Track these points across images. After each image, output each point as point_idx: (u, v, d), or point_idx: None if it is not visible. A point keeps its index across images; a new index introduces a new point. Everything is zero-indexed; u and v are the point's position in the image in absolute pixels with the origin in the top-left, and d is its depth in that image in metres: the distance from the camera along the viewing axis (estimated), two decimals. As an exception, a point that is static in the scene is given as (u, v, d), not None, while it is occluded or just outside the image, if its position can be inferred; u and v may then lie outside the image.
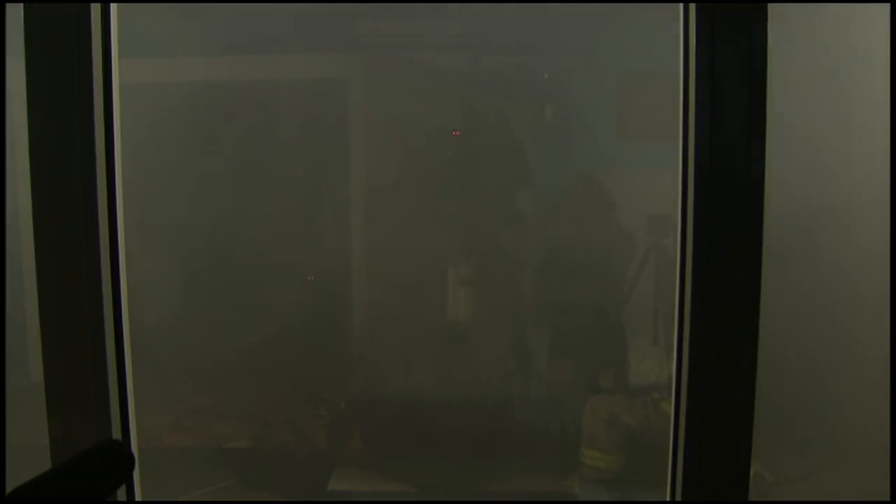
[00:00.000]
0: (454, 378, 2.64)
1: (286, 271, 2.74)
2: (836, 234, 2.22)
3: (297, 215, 2.73)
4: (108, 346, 1.27)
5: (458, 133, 2.63)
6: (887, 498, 1.44)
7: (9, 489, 0.71)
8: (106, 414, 1.27)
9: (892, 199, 1.77)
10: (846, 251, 2.18)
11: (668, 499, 1.32)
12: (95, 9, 1.23)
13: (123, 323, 1.30)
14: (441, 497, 2.45)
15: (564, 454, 2.48)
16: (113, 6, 1.27)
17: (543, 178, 2.68)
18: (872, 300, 2.01)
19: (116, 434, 1.28)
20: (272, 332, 2.72)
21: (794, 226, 2.08)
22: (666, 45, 1.37)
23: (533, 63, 2.68)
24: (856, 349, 2.12)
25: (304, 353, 2.70)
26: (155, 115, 2.53)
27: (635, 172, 2.50)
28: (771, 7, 1.18)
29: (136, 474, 1.38)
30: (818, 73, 2.13)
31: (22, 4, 1.21)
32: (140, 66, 2.32)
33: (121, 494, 1.33)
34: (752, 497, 1.27)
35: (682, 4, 1.24)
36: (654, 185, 2.36)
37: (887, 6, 1.68)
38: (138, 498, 1.39)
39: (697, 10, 1.20)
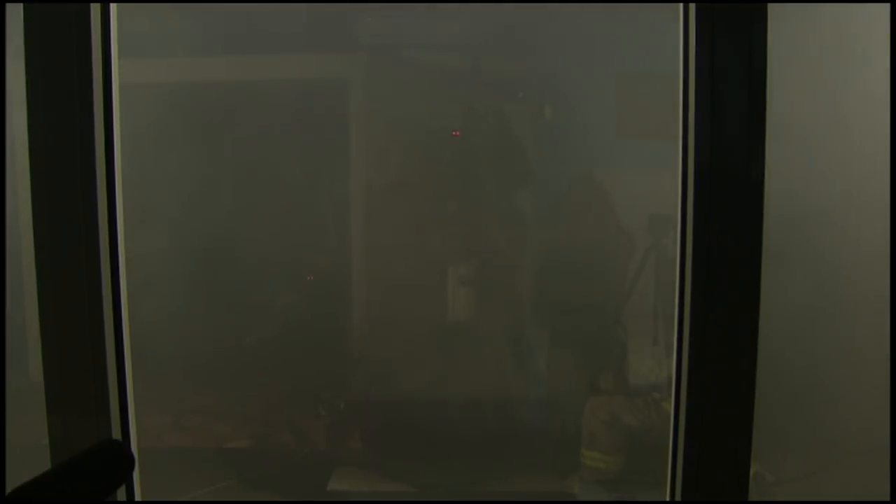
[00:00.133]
0: (454, 378, 2.64)
1: (285, 271, 2.74)
2: (836, 234, 2.23)
3: (296, 215, 2.73)
4: (108, 346, 1.27)
5: (457, 133, 2.63)
6: (887, 498, 1.45)
7: (9, 489, 0.71)
8: (106, 414, 1.27)
9: (892, 199, 1.77)
10: (846, 251, 2.19)
11: (667, 499, 1.32)
12: (95, 9, 1.23)
13: (123, 323, 1.30)
14: (441, 497, 2.45)
15: (564, 455, 2.48)
16: (113, 6, 1.27)
17: (543, 178, 2.68)
18: (872, 300, 2.01)
19: (116, 434, 1.29)
20: (272, 332, 2.72)
21: (794, 225, 2.08)
22: (665, 44, 1.37)
23: (532, 63, 2.68)
24: (856, 349, 2.12)
25: (304, 353, 2.70)
26: (153, 114, 2.53)
27: (635, 172, 2.50)
28: (771, 7, 1.18)
29: (135, 474, 1.38)
30: (818, 73, 2.13)
31: (22, 4, 1.21)
32: (139, 66, 2.32)
33: (121, 494, 1.33)
34: (752, 497, 1.27)
35: (681, 4, 1.24)
36: (653, 185, 2.36)
37: (887, 6, 1.68)
38: (138, 498, 1.39)
39: (697, 10, 1.20)
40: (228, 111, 2.66)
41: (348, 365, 2.76)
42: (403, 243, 2.66)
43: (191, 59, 2.74)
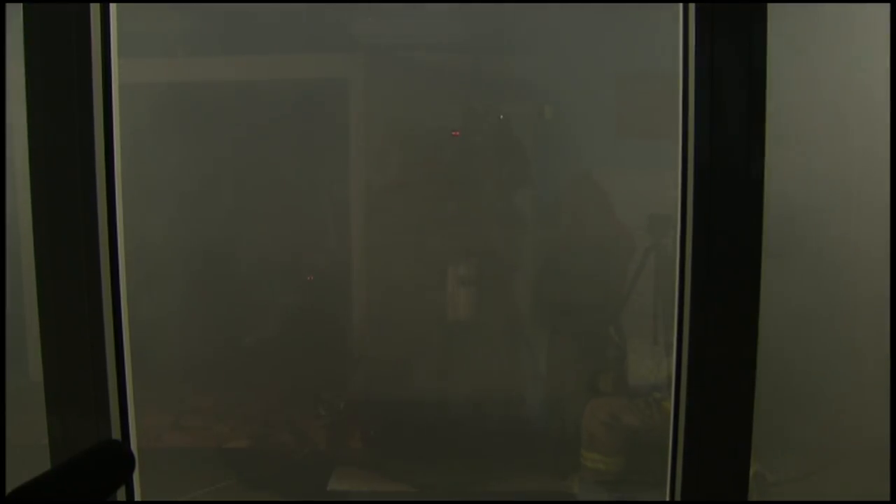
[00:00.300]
0: (453, 378, 2.64)
1: (285, 271, 2.74)
2: (836, 235, 2.23)
3: (295, 214, 2.73)
4: (108, 347, 1.27)
5: (457, 133, 2.63)
6: (887, 498, 1.45)
7: (9, 489, 0.71)
8: (105, 414, 1.27)
9: (892, 199, 1.77)
10: (846, 251, 2.18)
11: (667, 499, 1.32)
12: (95, 9, 1.23)
13: (123, 323, 1.30)
14: (441, 497, 2.45)
15: (564, 456, 2.48)
16: (113, 6, 1.27)
17: (543, 179, 2.68)
18: (872, 300, 2.01)
19: (116, 434, 1.28)
20: (271, 332, 2.72)
21: (793, 225, 2.08)
22: (665, 44, 1.37)
23: (533, 63, 2.68)
24: (855, 349, 2.12)
25: (304, 353, 2.70)
26: (152, 114, 2.53)
27: (635, 172, 2.50)
28: (771, 7, 1.18)
29: (135, 474, 1.38)
30: (817, 73, 2.13)
31: (22, 4, 1.21)
32: (138, 66, 2.32)
33: (120, 494, 1.33)
34: (753, 497, 1.27)
35: (681, 4, 1.24)
36: (653, 185, 2.36)
37: (887, 6, 1.68)
38: (138, 498, 1.39)
39: (697, 10, 1.20)
40: (228, 111, 2.66)
41: (348, 365, 2.76)
42: (403, 243, 2.66)
43: (189, 59, 2.74)
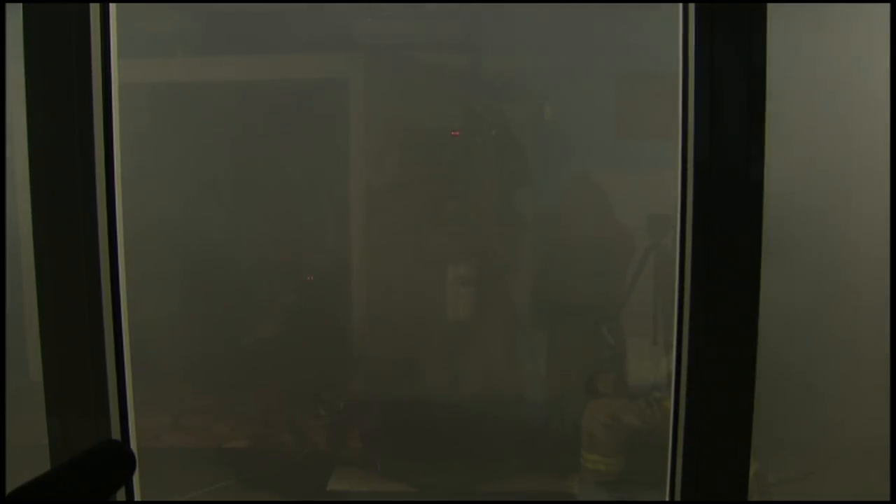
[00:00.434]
0: (453, 378, 2.64)
1: (285, 271, 2.74)
2: (836, 235, 2.23)
3: (295, 214, 2.73)
4: (108, 347, 1.27)
5: (457, 133, 2.63)
6: (887, 498, 1.45)
7: (9, 489, 0.71)
8: (105, 414, 1.27)
9: (892, 200, 1.77)
10: (845, 251, 2.18)
11: (667, 499, 1.32)
12: (95, 9, 1.23)
13: (123, 323, 1.30)
14: (441, 497, 2.45)
15: (564, 457, 2.48)
16: (112, 6, 1.27)
17: (542, 178, 2.68)
18: (872, 300, 2.01)
19: (115, 434, 1.28)
20: (271, 331, 2.72)
21: (793, 225, 2.08)
22: (665, 44, 1.37)
23: (533, 63, 2.68)
24: (855, 349, 2.12)
25: (304, 353, 2.70)
26: (151, 114, 2.53)
27: (634, 172, 2.50)
28: (770, 7, 1.18)
29: (135, 474, 1.38)
30: (817, 73, 2.13)
31: (22, 4, 1.21)
32: (138, 66, 2.32)
33: (120, 494, 1.33)
34: (753, 497, 1.27)
35: (681, 4, 1.24)
36: (653, 185, 2.36)
37: (887, 6, 1.68)
38: (138, 498, 1.39)
39: (697, 9, 1.20)
40: (227, 111, 2.66)
41: (348, 365, 2.76)
42: (402, 243, 2.66)
43: (189, 59, 2.74)
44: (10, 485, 0.72)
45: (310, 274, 2.75)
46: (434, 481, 2.47)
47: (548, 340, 2.67)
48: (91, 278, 1.25)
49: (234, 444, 2.63)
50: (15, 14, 1.22)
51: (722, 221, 1.21)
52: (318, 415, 2.69)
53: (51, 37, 1.21)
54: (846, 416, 2.11)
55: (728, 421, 1.24)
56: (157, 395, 2.54)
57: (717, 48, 1.19)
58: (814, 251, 2.19)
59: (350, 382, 2.75)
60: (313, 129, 2.69)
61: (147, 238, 2.42)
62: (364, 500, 2.45)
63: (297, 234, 2.74)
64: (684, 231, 1.25)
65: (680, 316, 1.27)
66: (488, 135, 2.61)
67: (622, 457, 2.40)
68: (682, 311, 1.26)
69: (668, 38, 1.31)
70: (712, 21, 1.19)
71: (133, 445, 1.31)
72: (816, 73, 2.12)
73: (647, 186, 2.44)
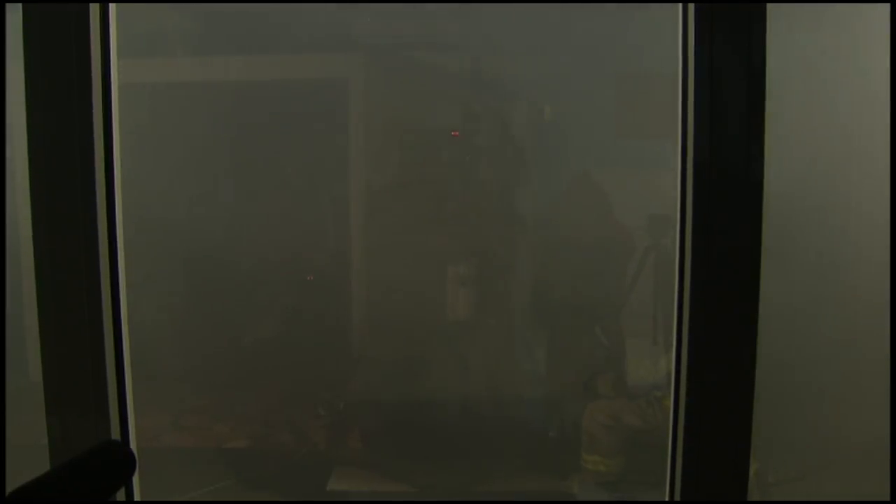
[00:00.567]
0: (453, 378, 2.63)
1: (285, 271, 2.74)
2: (836, 235, 2.22)
3: (295, 214, 2.73)
4: (107, 347, 1.27)
5: (456, 133, 2.63)
6: (887, 498, 1.45)
7: (9, 489, 0.71)
8: (105, 414, 1.27)
9: (892, 199, 1.77)
10: (845, 251, 2.18)
11: (667, 499, 1.32)
12: (95, 9, 1.23)
13: (122, 323, 1.30)
14: (441, 497, 2.45)
15: (564, 458, 2.48)
16: (112, 6, 1.27)
17: (542, 178, 2.68)
18: (872, 300, 2.01)
19: (115, 434, 1.28)
20: (271, 331, 2.72)
21: (792, 225, 2.08)
22: (664, 44, 1.37)
23: (532, 63, 2.68)
24: (855, 349, 2.12)
25: (304, 353, 2.70)
26: (153, 114, 2.53)
27: (634, 172, 2.50)
28: (770, 7, 1.18)
29: (134, 475, 1.38)
30: (817, 73, 2.13)
31: (21, 4, 1.21)
32: (138, 66, 2.32)
33: (120, 494, 1.33)
34: (752, 497, 1.27)
35: (681, 4, 1.24)
36: (653, 185, 2.36)
37: (887, 6, 1.68)
38: (137, 498, 1.39)
39: (696, 9, 1.20)
40: (227, 111, 2.66)
41: (348, 365, 2.76)
42: (402, 242, 2.66)
43: (188, 59, 2.74)
44: (10, 485, 0.72)
45: (310, 274, 2.75)
46: (434, 481, 2.47)
47: (547, 340, 2.67)
48: (91, 278, 1.25)
49: (233, 444, 2.63)
50: (15, 14, 1.22)
51: (722, 221, 1.21)
52: (318, 415, 2.69)
53: (51, 37, 1.21)
54: (846, 416, 2.11)
55: (728, 421, 1.24)
56: (157, 395, 2.54)
57: (716, 48, 1.19)
58: (814, 251, 2.19)
59: (350, 382, 2.75)
60: (313, 129, 2.69)
61: (147, 238, 2.43)
62: (364, 500, 2.45)
63: (298, 234, 2.74)
64: (684, 231, 1.25)
65: (680, 316, 1.27)
66: (488, 135, 2.62)
67: (622, 457, 2.40)
68: (682, 310, 1.25)
69: (668, 37, 1.31)
70: (712, 21, 1.19)
71: (133, 446, 1.31)
72: (816, 73, 2.12)
73: (647, 186, 2.44)
